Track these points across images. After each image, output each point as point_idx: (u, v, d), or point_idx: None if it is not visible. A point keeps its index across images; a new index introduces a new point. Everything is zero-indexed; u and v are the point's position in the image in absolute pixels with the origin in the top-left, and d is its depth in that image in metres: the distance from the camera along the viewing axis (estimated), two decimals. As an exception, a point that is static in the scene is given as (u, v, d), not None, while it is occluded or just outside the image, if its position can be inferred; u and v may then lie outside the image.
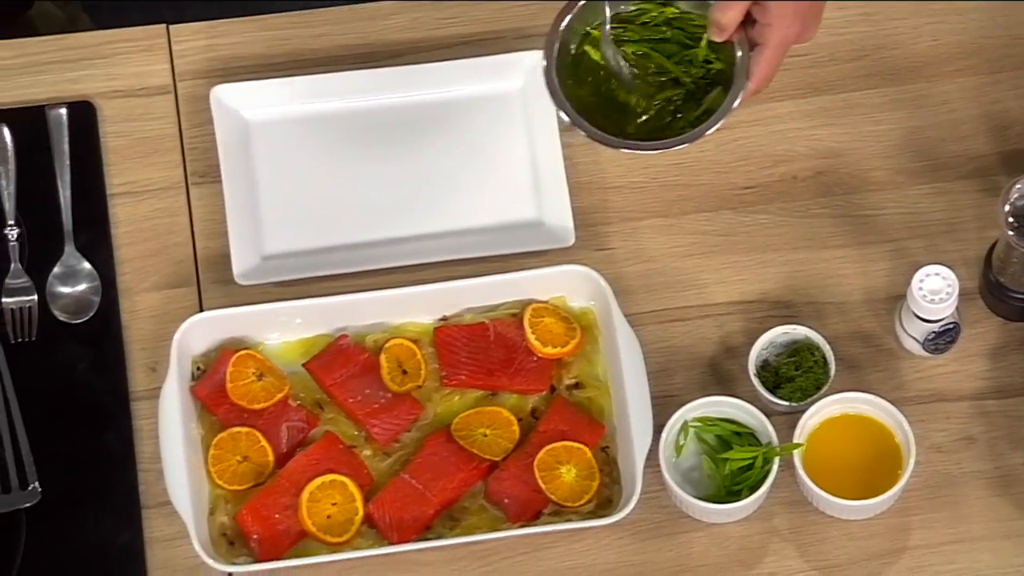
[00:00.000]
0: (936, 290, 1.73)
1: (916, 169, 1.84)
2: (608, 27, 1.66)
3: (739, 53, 1.65)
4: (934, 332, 1.75)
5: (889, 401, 1.72)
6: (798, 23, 1.63)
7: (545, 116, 1.84)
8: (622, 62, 1.67)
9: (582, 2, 1.67)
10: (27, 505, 1.72)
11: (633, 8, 1.69)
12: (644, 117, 1.67)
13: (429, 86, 1.85)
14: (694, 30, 1.68)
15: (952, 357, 1.78)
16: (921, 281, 1.73)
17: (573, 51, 1.69)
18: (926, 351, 1.77)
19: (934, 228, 1.82)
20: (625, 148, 1.67)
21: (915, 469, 1.71)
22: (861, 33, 1.88)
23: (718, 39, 1.66)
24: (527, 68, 1.85)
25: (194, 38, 1.87)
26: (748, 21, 1.65)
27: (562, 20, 1.68)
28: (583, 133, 1.66)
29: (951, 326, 1.75)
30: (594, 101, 1.69)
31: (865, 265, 1.81)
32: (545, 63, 1.68)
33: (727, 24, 1.64)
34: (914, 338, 1.76)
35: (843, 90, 1.86)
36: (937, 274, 1.73)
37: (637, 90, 1.68)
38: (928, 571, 1.72)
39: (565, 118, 1.67)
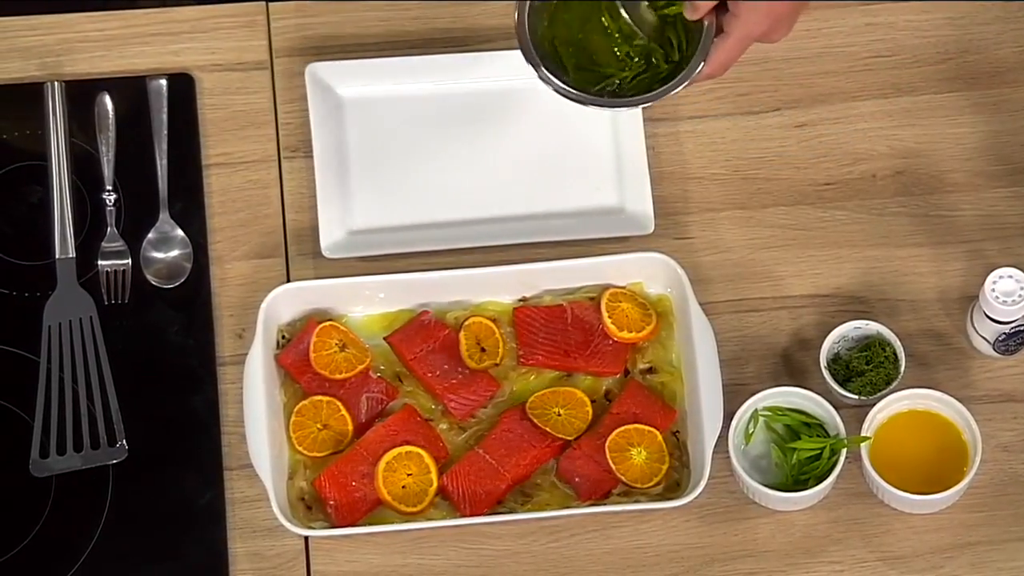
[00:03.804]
0: (1008, 292, 1.74)
1: (995, 172, 1.85)
2: None
3: (704, 35, 1.65)
4: (1005, 333, 1.76)
5: (957, 399, 1.73)
6: (766, 23, 1.63)
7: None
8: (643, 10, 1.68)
9: None
10: (114, 462, 1.75)
11: None
12: (618, 78, 1.68)
13: (518, 72, 1.84)
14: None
15: (1022, 358, 1.79)
16: (994, 283, 1.73)
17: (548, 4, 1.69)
18: (996, 352, 1.78)
19: (1010, 231, 1.83)
20: (591, 104, 1.66)
21: (981, 467, 1.72)
22: (945, 37, 1.89)
23: (691, 17, 1.65)
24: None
25: (292, 16, 1.90)
26: (722, 8, 1.65)
27: None
28: (551, 88, 1.67)
29: (1022, 328, 1.77)
30: (567, 54, 1.70)
31: (940, 265, 1.82)
32: (517, 16, 1.68)
33: (702, 5, 1.64)
34: (985, 338, 1.77)
35: (925, 92, 1.87)
36: (1010, 276, 1.74)
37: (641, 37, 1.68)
38: (990, 567, 1.73)
39: (533, 71, 1.67)
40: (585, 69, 1.69)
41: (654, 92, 1.66)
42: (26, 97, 1.85)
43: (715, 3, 1.63)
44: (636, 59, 1.68)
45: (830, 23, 1.90)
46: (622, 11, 1.69)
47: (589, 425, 1.76)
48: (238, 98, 1.87)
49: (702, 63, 1.65)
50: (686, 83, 1.65)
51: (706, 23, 1.66)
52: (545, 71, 1.67)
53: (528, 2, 1.67)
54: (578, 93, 1.67)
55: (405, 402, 1.77)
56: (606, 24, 1.69)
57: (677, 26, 1.69)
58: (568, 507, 1.73)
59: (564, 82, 1.67)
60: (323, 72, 1.86)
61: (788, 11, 1.64)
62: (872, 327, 1.77)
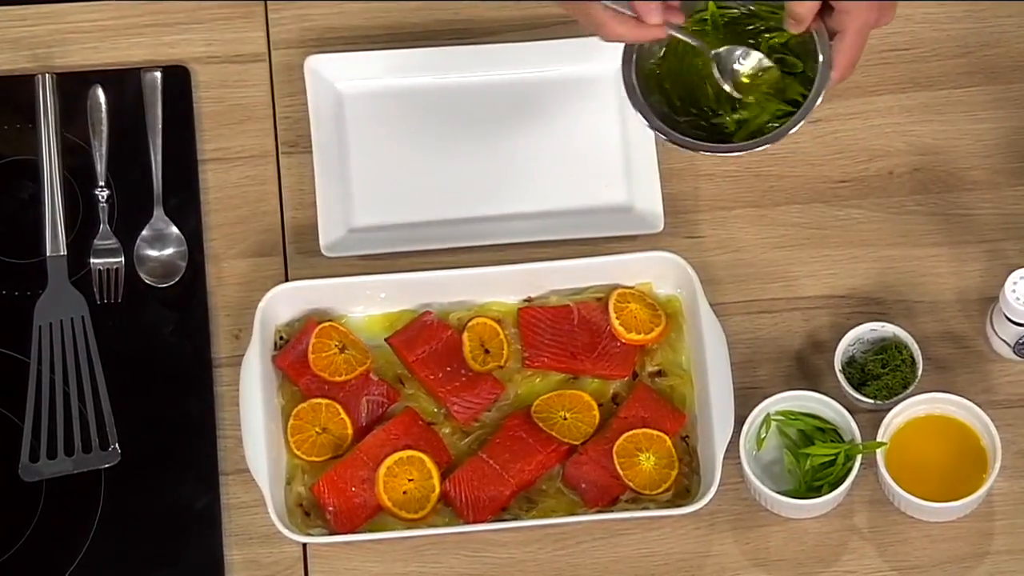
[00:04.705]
0: (1030, 293, 1.72)
1: (1015, 170, 1.83)
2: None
3: (819, 43, 1.63)
4: (1026, 336, 1.74)
5: (976, 404, 1.71)
6: (875, 9, 1.61)
7: (639, 100, 1.84)
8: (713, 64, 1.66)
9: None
10: (107, 466, 1.73)
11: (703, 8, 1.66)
12: (737, 123, 1.66)
13: (524, 65, 1.85)
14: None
15: (1043, 362, 1.77)
16: (1015, 284, 1.71)
17: (658, 52, 1.67)
18: (1016, 355, 1.76)
19: (1031, 230, 1.82)
20: (707, 151, 1.66)
21: (1000, 474, 1.70)
22: (965, 30, 1.87)
23: (796, 31, 1.63)
24: (622, 51, 1.84)
25: (291, 7, 1.88)
26: (824, 10, 1.63)
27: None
28: (664, 138, 1.65)
29: (1044, 330, 1.74)
30: (676, 99, 1.67)
31: (958, 265, 1.80)
32: (623, 65, 1.65)
33: (805, 15, 1.62)
34: (1005, 341, 1.75)
35: (944, 87, 1.85)
36: (1032, 277, 1.72)
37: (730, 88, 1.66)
38: (1009, 577, 1.72)
39: (644, 122, 1.65)
40: (708, 127, 1.67)
41: (797, 115, 1.63)
42: (16, 90, 1.83)
43: (817, 10, 1.61)
44: (763, 100, 1.66)
45: (845, 15, 1.87)
46: (721, 83, 1.66)
47: (596, 429, 1.74)
48: (235, 91, 1.85)
49: (830, 70, 1.62)
50: (822, 95, 1.63)
51: (814, 30, 1.63)
52: (710, 144, 1.65)
53: (631, 79, 1.65)
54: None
55: (406, 405, 1.75)
56: (713, 89, 1.67)
57: (787, 45, 1.66)
58: (574, 514, 1.71)
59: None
60: (323, 65, 1.84)
61: None
62: (888, 329, 1.75)
